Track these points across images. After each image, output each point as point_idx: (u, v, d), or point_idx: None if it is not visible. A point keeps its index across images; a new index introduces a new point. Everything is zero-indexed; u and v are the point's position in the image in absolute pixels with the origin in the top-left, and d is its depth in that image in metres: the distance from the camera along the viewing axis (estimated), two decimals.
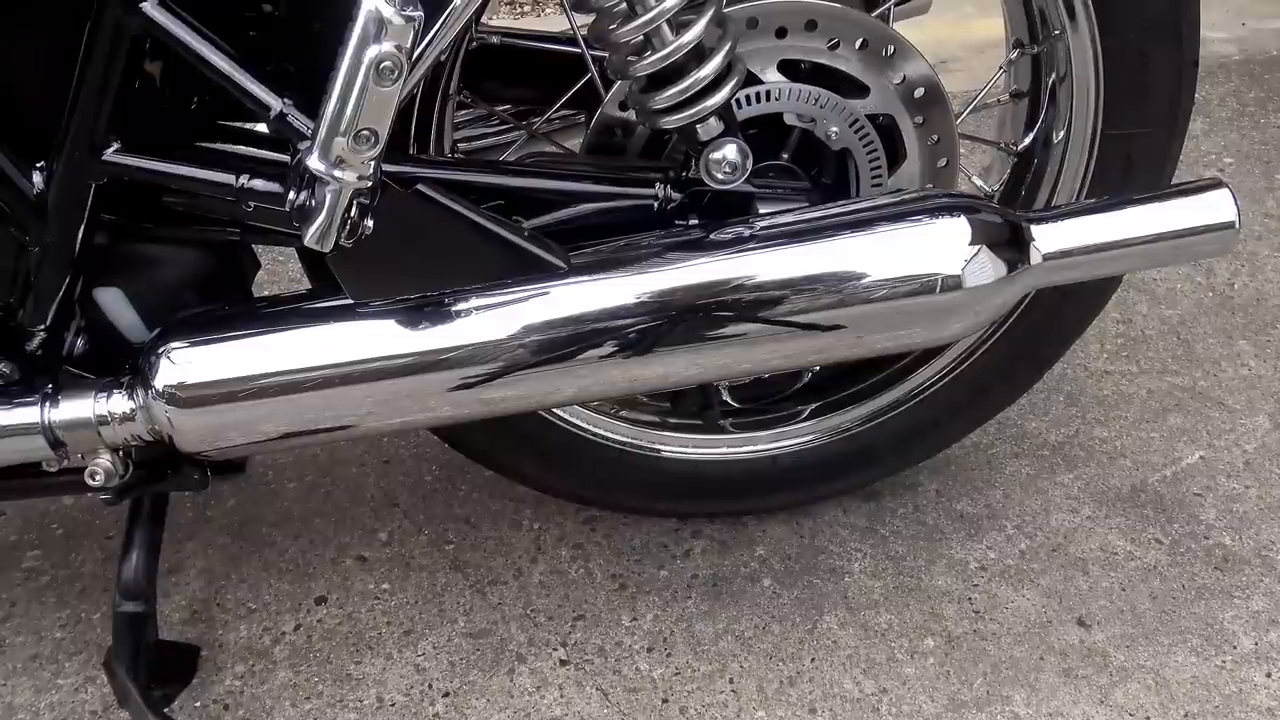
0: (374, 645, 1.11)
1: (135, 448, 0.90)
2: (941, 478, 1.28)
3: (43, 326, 0.87)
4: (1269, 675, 1.07)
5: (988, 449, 1.32)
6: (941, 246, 0.89)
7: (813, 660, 1.09)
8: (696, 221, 0.93)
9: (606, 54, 0.89)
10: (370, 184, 0.76)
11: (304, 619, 1.13)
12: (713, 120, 0.88)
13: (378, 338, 0.86)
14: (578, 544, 1.21)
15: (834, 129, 0.96)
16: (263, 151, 0.84)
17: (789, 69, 0.95)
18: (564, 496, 1.22)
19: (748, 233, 0.90)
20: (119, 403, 0.87)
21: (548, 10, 2.27)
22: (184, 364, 0.85)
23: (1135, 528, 1.22)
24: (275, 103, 0.79)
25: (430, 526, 1.23)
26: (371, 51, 0.71)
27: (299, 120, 0.79)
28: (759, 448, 1.16)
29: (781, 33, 0.93)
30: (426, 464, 1.30)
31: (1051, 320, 1.10)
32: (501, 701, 1.05)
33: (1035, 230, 0.92)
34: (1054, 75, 1.02)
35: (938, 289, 0.88)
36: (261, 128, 0.83)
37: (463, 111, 1.17)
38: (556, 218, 0.91)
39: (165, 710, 0.99)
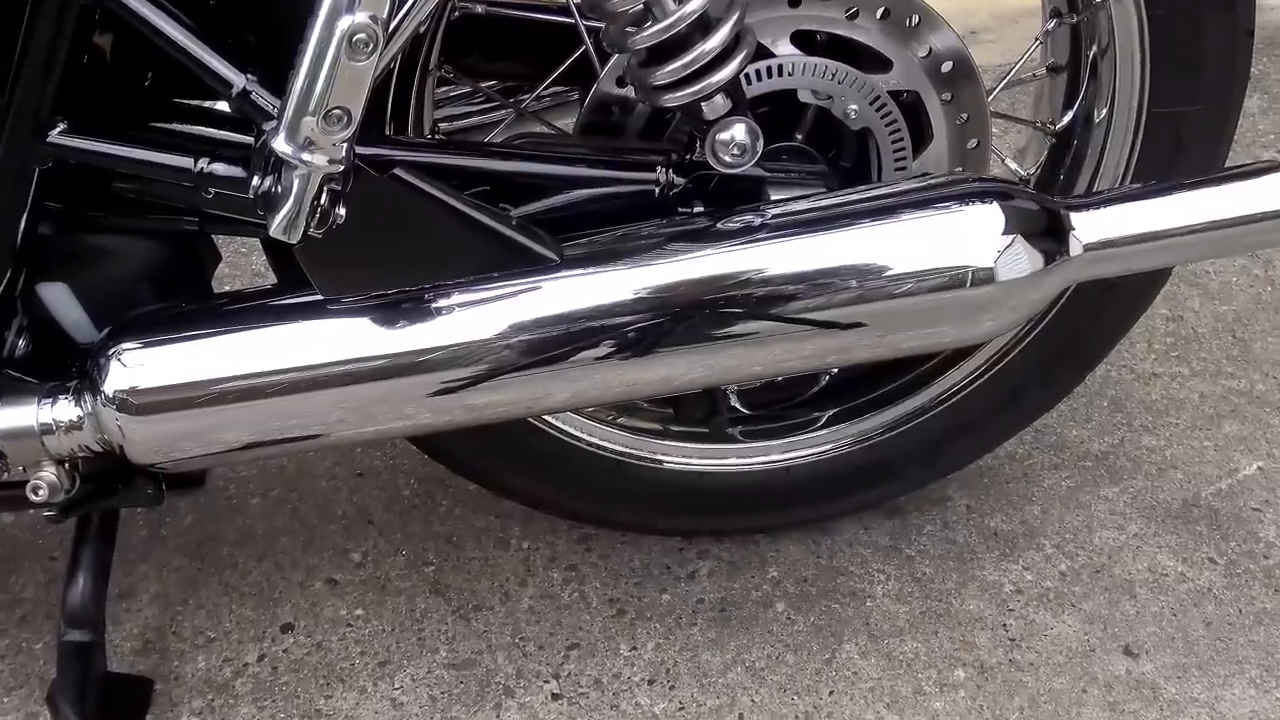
0: (346, 677, 1.11)
1: (83, 459, 0.91)
2: (973, 491, 1.29)
3: None
4: None
5: (1024, 459, 1.33)
6: (972, 236, 0.89)
7: (831, 693, 1.10)
8: (701, 209, 0.93)
9: (602, 25, 0.89)
10: (342, 168, 0.76)
11: (269, 649, 1.14)
12: (719, 98, 0.88)
13: (350, 337, 0.86)
14: (571, 565, 1.22)
15: (853, 107, 0.96)
16: (224, 133, 0.85)
17: (803, 41, 0.95)
18: (556, 513, 1.22)
19: (758, 221, 0.90)
20: (65, 409, 0.88)
21: None
22: (137, 367, 0.85)
23: (1187, 546, 1.23)
24: (238, 79, 0.80)
25: (408, 546, 1.23)
26: (344, 22, 0.72)
27: (264, 98, 0.79)
28: (771, 458, 1.16)
29: (795, 1, 0.93)
30: (404, 477, 1.31)
31: (1094, 317, 1.11)
32: None
33: (1075, 218, 0.92)
34: (1095, 47, 1.02)
35: (968, 283, 0.89)
36: (223, 106, 0.84)
37: (444, 88, 1.18)
38: (547, 205, 0.92)
39: None
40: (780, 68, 0.94)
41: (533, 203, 0.92)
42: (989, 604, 1.17)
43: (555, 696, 1.09)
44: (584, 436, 1.12)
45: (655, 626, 1.16)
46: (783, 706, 1.08)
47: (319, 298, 0.86)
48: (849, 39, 0.95)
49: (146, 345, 0.86)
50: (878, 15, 0.94)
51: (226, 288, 1.31)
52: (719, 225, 0.90)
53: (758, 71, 0.94)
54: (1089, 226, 0.92)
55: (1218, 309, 1.51)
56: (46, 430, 0.88)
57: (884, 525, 1.25)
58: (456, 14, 1.00)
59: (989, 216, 0.89)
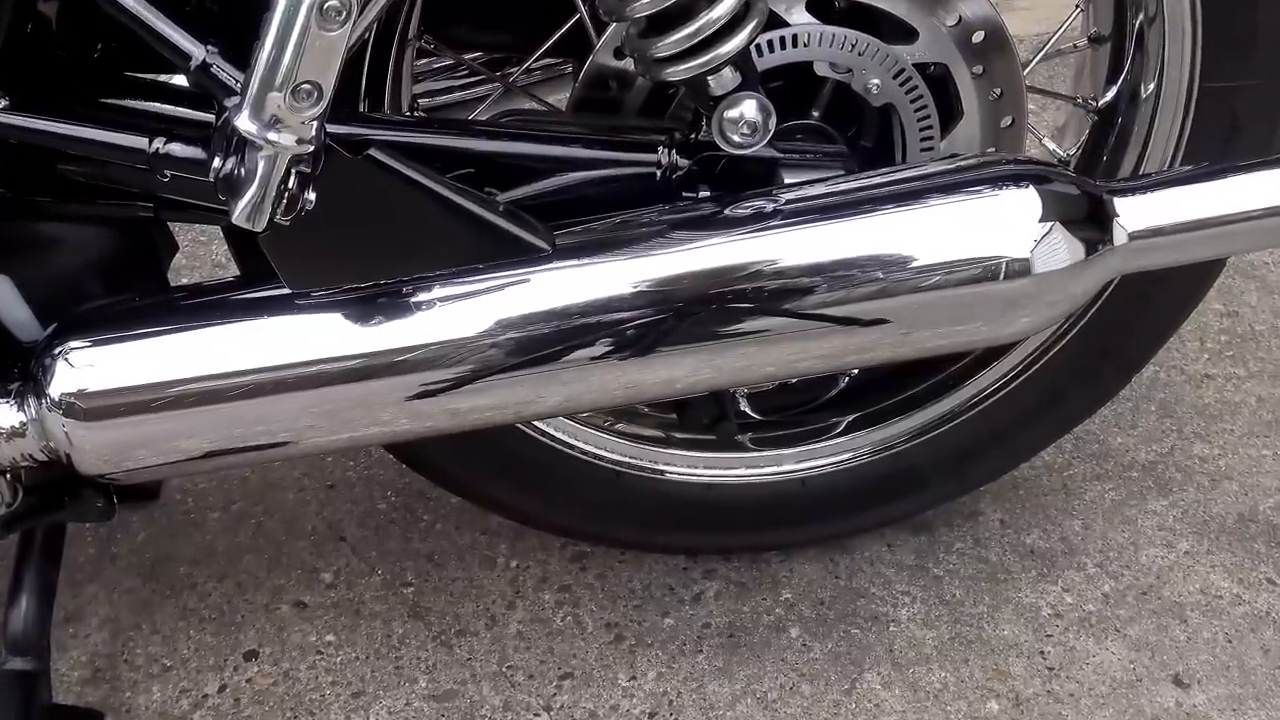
0: (316, 710, 1.11)
1: (26, 469, 0.90)
2: (1007, 505, 1.28)
3: None
4: None
5: (1063, 470, 1.32)
6: (1006, 223, 0.89)
7: None
8: (707, 194, 0.93)
9: None
10: (311, 149, 0.76)
11: (230, 678, 1.13)
12: (727, 71, 0.88)
13: (320, 335, 0.86)
14: (564, 586, 1.21)
15: (875, 81, 0.96)
16: (181, 110, 0.85)
17: (820, 8, 0.95)
18: (547, 529, 1.22)
19: (770, 207, 0.90)
20: (6, 415, 0.87)
21: None
22: (85, 368, 0.85)
23: (1243, 566, 1.22)
24: (197, 50, 0.79)
25: (384, 565, 1.23)
26: None
27: (225, 71, 0.79)
28: (785, 468, 1.16)
29: None
30: (380, 489, 1.31)
31: (1140, 313, 1.10)
32: None
33: (1119, 204, 0.92)
34: (1142, 15, 1.02)
35: (1001, 275, 0.88)
36: (180, 81, 0.83)
37: (424, 61, 1.17)
38: (538, 189, 0.91)
39: None
40: (795, 38, 0.94)
41: (522, 187, 0.91)
42: (1025, 629, 1.17)
43: None
44: (579, 445, 1.12)
45: (657, 654, 1.15)
46: None
47: (286, 291, 0.85)
48: (870, 6, 0.95)
49: (96, 344, 0.86)
50: None
51: (184, 280, 1.31)
52: (727, 211, 0.90)
53: (770, 42, 0.93)
54: (1135, 213, 0.92)
55: (1277, 304, 1.51)
56: None
57: (909, 542, 1.25)
58: None
59: (1024, 202, 0.89)
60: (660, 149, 0.92)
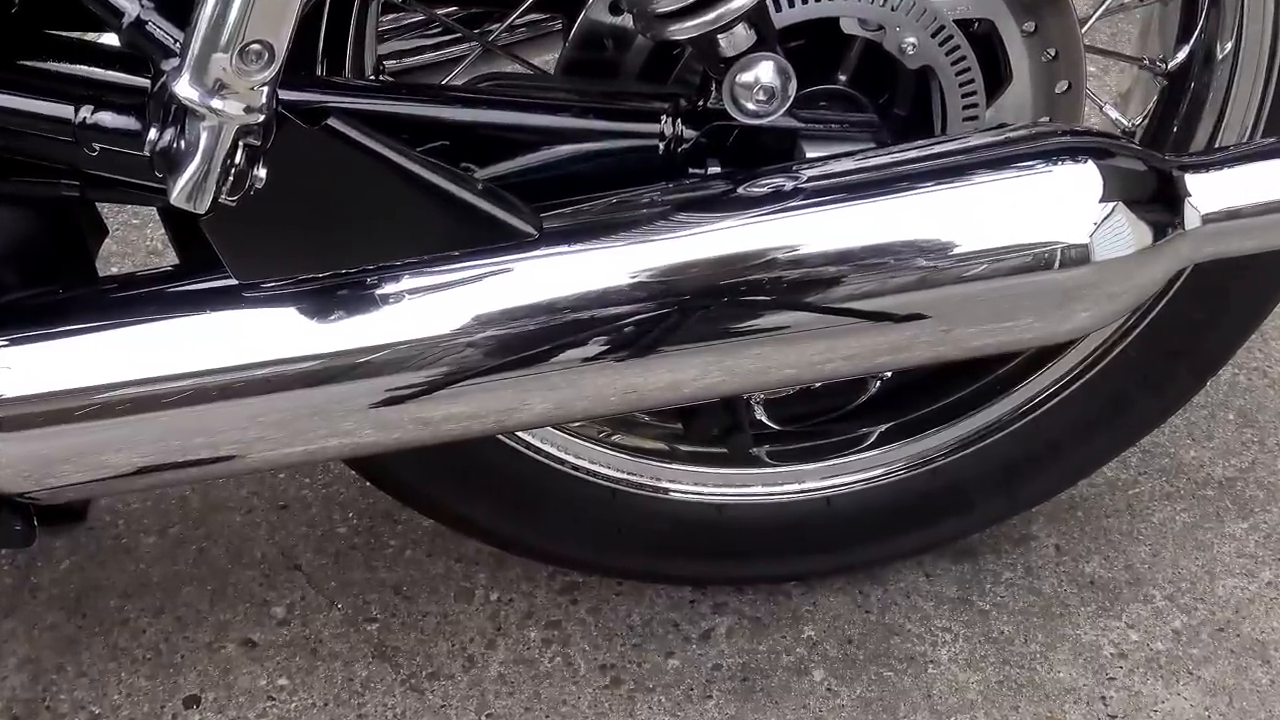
0: None
1: None
2: (1063, 529, 1.29)
3: None
4: None
5: (1128, 488, 1.33)
6: (1061, 204, 0.89)
7: None
8: (717, 170, 0.93)
9: None
10: (262, 118, 0.76)
11: None
12: (740, 28, 0.88)
13: (272, 333, 0.86)
14: (553, 622, 1.22)
15: (910, 40, 0.96)
16: (112, 73, 0.85)
17: None
18: (533, 556, 1.22)
19: (789, 185, 0.90)
20: None
21: None
22: (1, 370, 0.85)
23: None
24: (130, 6, 0.79)
25: (345, 598, 1.24)
26: None
27: (163, 30, 0.79)
28: (807, 486, 1.16)
29: None
30: (340, 510, 1.31)
31: (1216, 307, 1.11)
32: None
33: (1192, 181, 0.92)
34: None
35: (1056, 264, 0.89)
36: (111, 40, 0.84)
37: (391, 17, 1.18)
38: (522, 165, 0.92)
39: None
40: None
41: (503, 162, 0.91)
42: (1084, 671, 1.17)
43: None
44: (569, 459, 1.12)
45: (660, 700, 1.16)
46: None
47: (232, 283, 0.86)
48: None
49: (13, 343, 0.86)
50: None
51: (114, 270, 1.31)
52: (740, 190, 0.90)
53: None
54: (1209, 192, 0.92)
55: None
56: None
57: (951, 571, 1.25)
58: None
59: (1083, 179, 0.89)
60: (663, 119, 0.92)
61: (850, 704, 1.15)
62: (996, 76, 1.00)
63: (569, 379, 0.89)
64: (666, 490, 1.15)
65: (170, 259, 0.96)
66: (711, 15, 0.86)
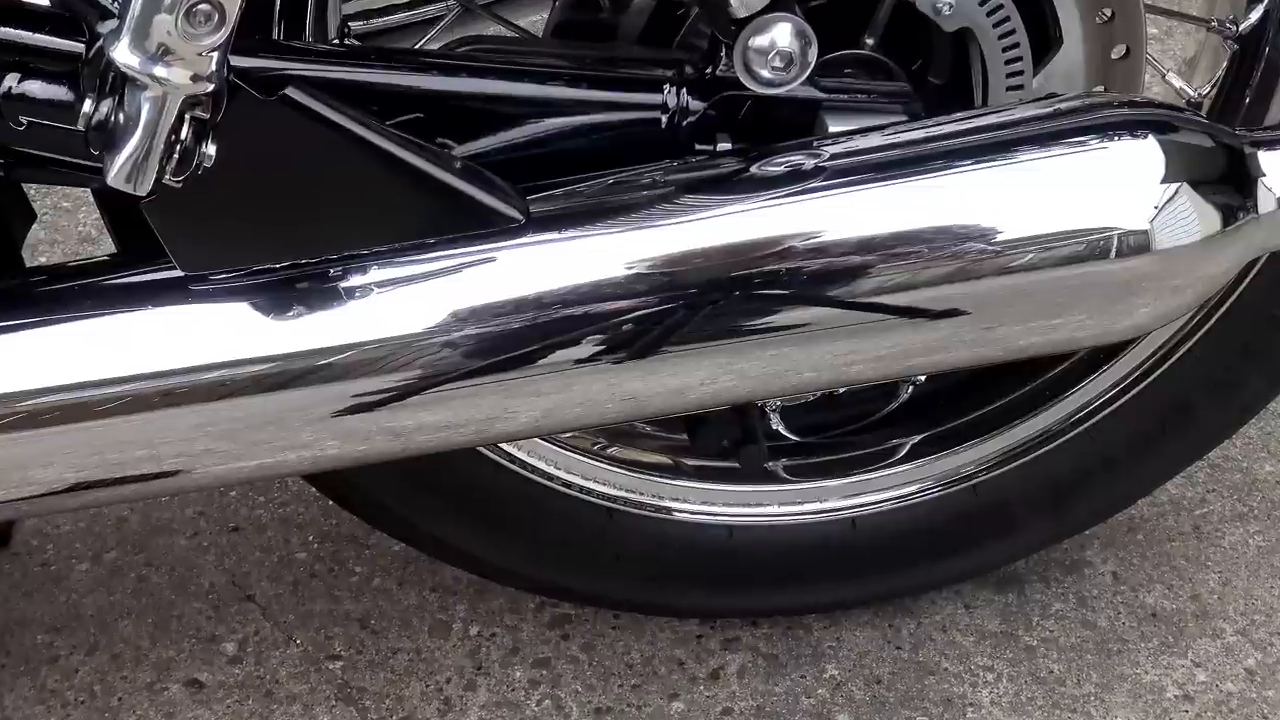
0: None
1: None
2: (1121, 554, 1.29)
3: None
4: None
5: (1194, 508, 1.33)
6: (1118, 185, 0.89)
7: None
8: (728, 146, 0.93)
9: None
10: (211, 88, 0.76)
11: None
12: None
13: (222, 332, 0.86)
14: (541, 660, 1.22)
15: None
16: (42, 37, 0.84)
17: None
18: (518, 584, 1.22)
19: (810, 164, 0.90)
20: None
21: None
22: None
23: None
24: None
25: (305, 632, 1.24)
26: None
27: None
28: (829, 506, 1.17)
29: None
30: (299, 533, 1.31)
31: None
32: None
33: (1266, 159, 0.92)
34: None
35: (1112, 253, 0.89)
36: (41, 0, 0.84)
37: None
38: (507, 141, 0.92)
39: None
40: None
41: (485, 138, 0.92)
42: (1144, 716, 1.17)
43: None
44: (560, 475, 1.12)
45: None
46: None
47: (176, 274, 0.86)
48: None
49: None
50: None
51: (43, 260, 1.30)
52: (753, 169, 0.90)
53: None
54: None
55: None
56: None
57: (993, 603, 1.25)
58: None
59: (1142, 157, 0.89)
60: (666, 88, 0.92)
61: None
62: (1044, 40, 1.00)
63: (560, 384, 0.89)
64: (670, 510, 1.15)
65: (106, 247, 0.96)
66: None
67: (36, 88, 0.82)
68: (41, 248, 1.53)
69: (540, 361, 0.88)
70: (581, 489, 1.13)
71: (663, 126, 0.92)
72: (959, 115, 0.94)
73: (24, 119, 0.83)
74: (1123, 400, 1.15)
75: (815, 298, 0.89)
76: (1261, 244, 0.95)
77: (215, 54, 0.75)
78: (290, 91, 0.82)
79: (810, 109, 0.93)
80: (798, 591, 1.21)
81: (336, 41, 0.97)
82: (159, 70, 0.75)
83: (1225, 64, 1.12)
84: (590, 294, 0.87)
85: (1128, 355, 1.13)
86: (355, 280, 0.86)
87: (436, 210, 0.86)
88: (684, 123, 0.92)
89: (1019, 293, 0.90)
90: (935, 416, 1.18)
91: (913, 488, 1.17)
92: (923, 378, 1.16)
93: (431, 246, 0.87)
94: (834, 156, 0.90)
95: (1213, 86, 1.13)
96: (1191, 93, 1.13)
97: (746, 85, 0.90)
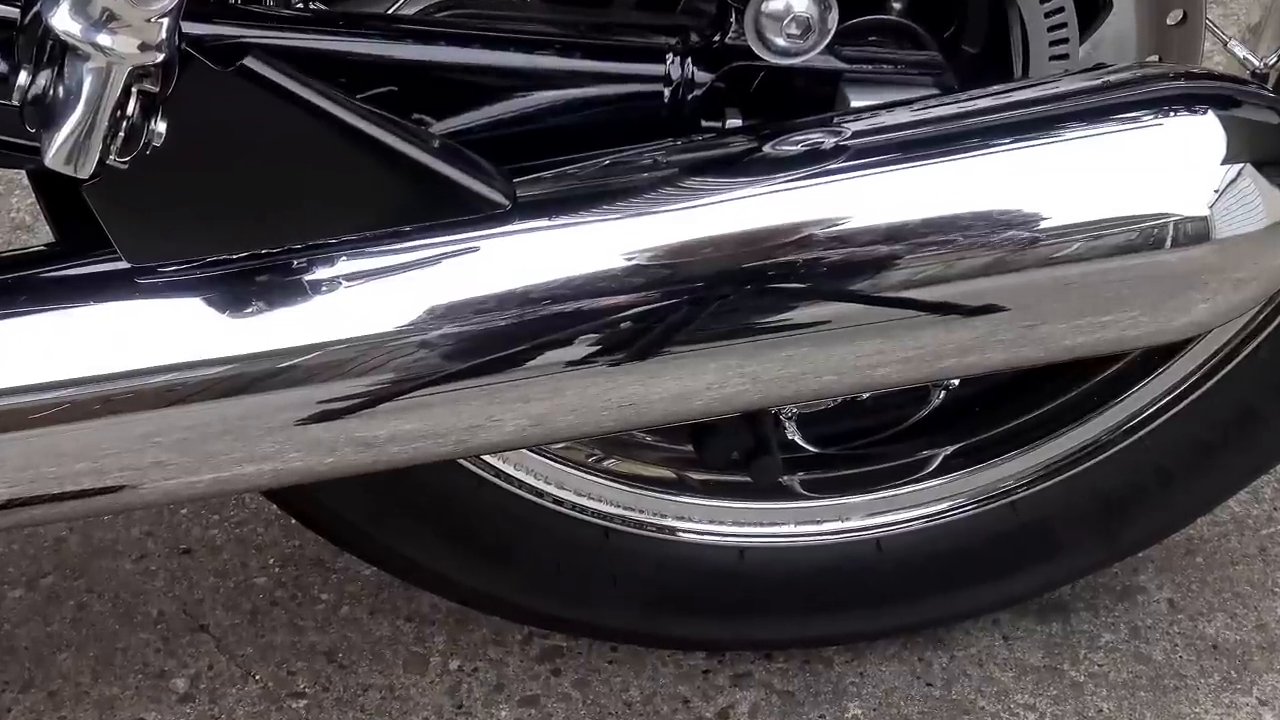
0: None
1: None
2: (1178, 579, 1.29)
3: None
4: None
5: (1260, 527, 1.33)
6: (1174, 167, 0.89)
7: None
8: (738, 123, 0.93)
9: None
10: (161, 57, 0.76)
11: None
12: None
13: (172, 330, 0.86)
14: (528, 698, 1.22)
15: None
16: None
17: None
18: (503, 613, 1.22)
19: (830, 143, 0.90)
20: None
21: None
22: None
23: None
24: None
25: (264, 667, 1.23)
26: None
27: None
28: (851, 525, 1.17)
29: None
30: (258, 555, 1.31)
31: None
32: None
33: None
34: None
35: (1168, 241, 0.89)
36: None
37: None
38: (491, 117, 0.92)
39: None
40: None
41: (467, 113, 0.92)
42: None
43: None
44: (550, 490, 1.12)
45: None
46: None
47: (122, 266, 0.85)
48: None
49: None
50: None
51: None
52: (766, 149, 0.90)
53: None
54: None
55: None
56: None
57: (1035, 634, 1.25)
58: None
59: (1201, 135, 0.89)
60: (669, 58, 0.92)
61: None
62: (1092, 4, 1.00)
63: (550, 389, 0.89)
64: (674, 530, 1.15)
65: (44, 236, 0.96)
66: None
67: None
68: None
69: (528, 364, 0.88)
70: (574, 506, 1.13)
71: (665, 101, 0.93)
72: (996, 88, 0.94)
73: None
74: (1180, 407, 1.15)
75: (836, 292, 0.89)
76: None
77: (165, 20, 0.75)
78: (249, 61, 0.82)
79: (830, 81, 0.94)
80: (816, 621, 1.21)
81: (300, 5, 0.97)
82: (103, 38, 0.74)
83: None
84: (584, 288, 0.87)
85: (1185, 356, 1.13)
86: (321, 273, 0.86)
87: (412, 195, 0.86)
88: (689, 97, 0.93)
89: (1064, 287, 0.90)
90: (970, 425, 1.19)
91: (945, 505, 1.17)
92: (956, 382, 1.16)
93: (406, 235, 0.87)
94: (856, 134, 0.91)
95: (1279, 56, 1.13)
96: (1256, 63, 1.13)
97: (759, 55, 0.90)
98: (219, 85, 0.81)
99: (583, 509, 1.13)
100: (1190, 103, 0.90)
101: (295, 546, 1.30)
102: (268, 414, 0.88)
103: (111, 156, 0.78)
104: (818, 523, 1.17)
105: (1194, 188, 0.89)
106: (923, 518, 1.17)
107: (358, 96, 0.87)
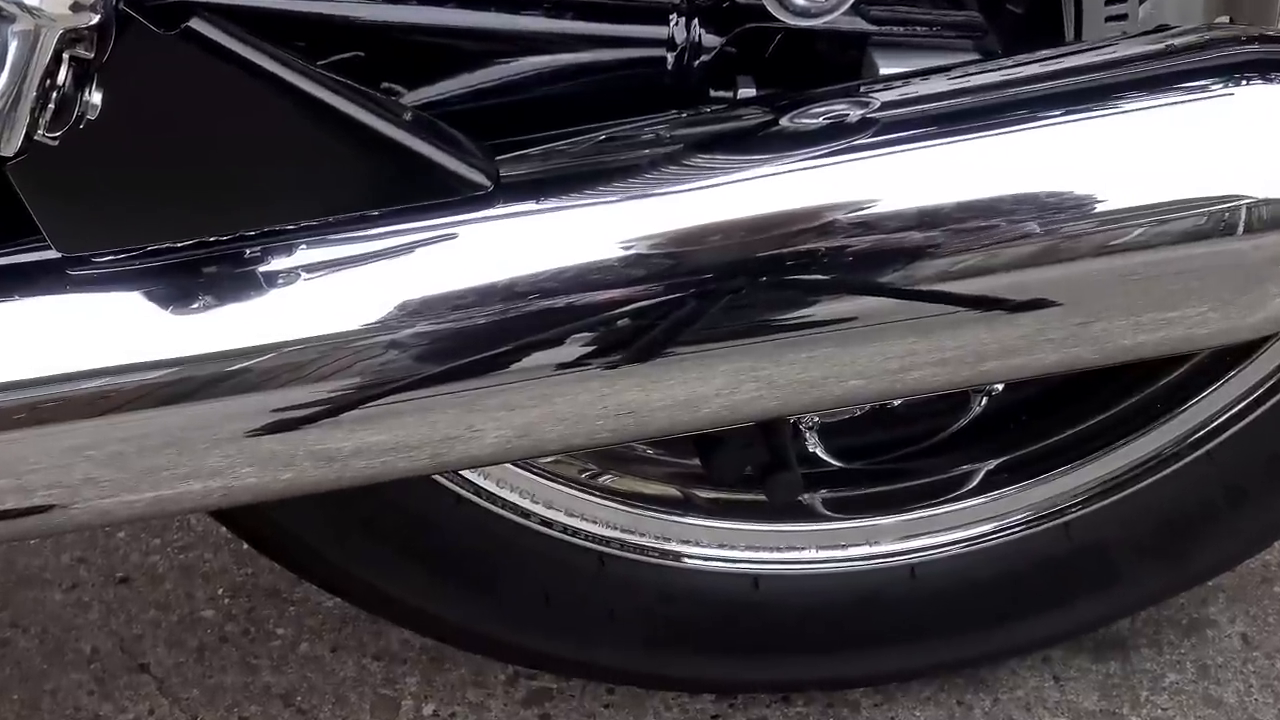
0: None
1: None
2: (1253, 611, 1.29)
3: None
4: None
5: None
6: (1246, 142, 0.89)
7: None
8: (751, 93, 0.93)
9: None
10: (97, 18, 0.76)
11: None
12: None
13: (108, 329, 0.87)
14: None
15: None
16: None
17: None
18: (485, 651, 1.22)
19: (856, 115, 0.90)
20: None
21: None
22: None
23: None
24: None
25: (212, 712, 1.23)
26: None
27: None
28: (881, 550, 1.17)
29: None
30: (205, 585, 1.31)
31: None
32: None
33: None
34: None
35: (1239, 228, 0.89)
36: None
37: None
38: (472, 87, 0.92)
39: None
40: None
41: (443, 83, 0.92)
42: None
43: None
44: (538, 511, 1.13)
45: None
46: None
47: (52, 256, 0.86)
48: None
49: None
50: None
51: None
52: (784, 122, 0.90)
53: None
54: None
55: None
56: None
57: (1091, 673, 1.25)
58: None
59: (1277, 105, 0.89)
60: (673, 19, 0.92)
61: None
62: None
63: (537, 395, 0.89)
64: (679, 555, 1.15)
65: None
66: None
67: None
68: None
69: (513, 367, 0.88)
70: (566, 529, 1.13)
71: (668, 68, 0.93)
72: (1044, 53, 0.94)
73: None
74: (1254, 415, 1.15)
75: (863, 285, 0.89)
76: None
77: None
78: (195, 23, 0.82)
79: (856, 45, 0.94)
80: (842, 659, 1.21)
81: None
82: None
83: None
84: (576, 280, 0.88)
85: (1261, 357, 1.14)
86: (277, 264, 0.87)
87: (381, 175, 0.87)
88: (695, 63, 0.93)
89: (1122, 279, 0.90)
90: (1016, 437, 1.19)
91: (987, 527, 1.17)
92: (999, 387, 1.16)
93: (374, 221, 0.87)
94: (886, 106, 0.91)
95: None
96: None
97: (775, 14, 0.90)
98: (161, 50, 0.81)
99: (575, 531, 1.13)
100: (1265, 69, 0.90)
101: (247, 574, 1.30)
102: (216, 424, 0.88)
103: (40, 132, 0.78)
104: (843, 547, 1.17)
105: (1270, 166, 0.89)
106: (962, 541, 1.17)
107: (319, 63, 0.87)
